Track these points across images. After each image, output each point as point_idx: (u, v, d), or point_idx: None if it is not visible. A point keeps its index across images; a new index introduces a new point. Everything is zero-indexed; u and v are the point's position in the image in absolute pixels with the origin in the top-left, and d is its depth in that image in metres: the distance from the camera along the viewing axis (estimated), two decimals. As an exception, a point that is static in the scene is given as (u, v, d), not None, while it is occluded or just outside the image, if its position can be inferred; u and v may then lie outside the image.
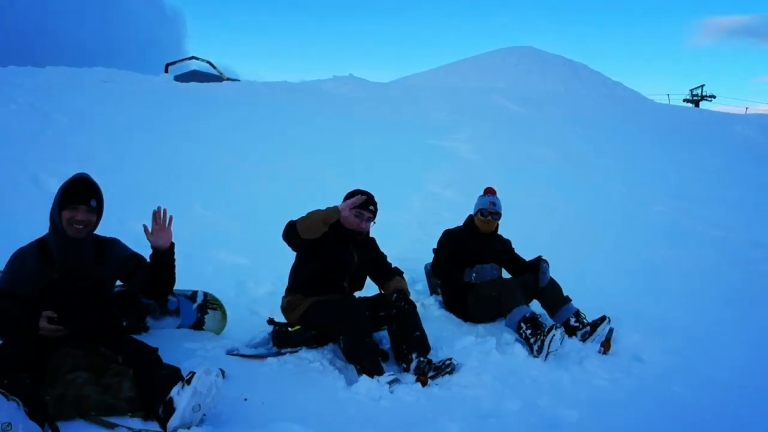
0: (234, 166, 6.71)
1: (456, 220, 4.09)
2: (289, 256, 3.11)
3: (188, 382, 2.11)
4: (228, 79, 23.46)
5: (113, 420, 2.10)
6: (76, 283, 2.42)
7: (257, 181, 6.26)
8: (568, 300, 3.70)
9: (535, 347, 3.21)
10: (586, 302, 3.78)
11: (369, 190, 3.14)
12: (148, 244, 2.52)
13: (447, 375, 2.85)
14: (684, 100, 43.87)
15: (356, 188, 3.12)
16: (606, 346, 3.40)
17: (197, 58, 24.47)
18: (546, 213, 7.20)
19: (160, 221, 2.51)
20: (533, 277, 3.71)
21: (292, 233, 2.86)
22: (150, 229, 2.50)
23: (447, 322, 3.63)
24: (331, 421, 2.34)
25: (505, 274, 3.96)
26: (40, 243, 2.46)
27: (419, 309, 3.65)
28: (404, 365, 2.90)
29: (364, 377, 2.69)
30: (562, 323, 3.56)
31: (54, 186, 4.78)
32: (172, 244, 2.54)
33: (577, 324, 3.57)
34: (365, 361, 2.78)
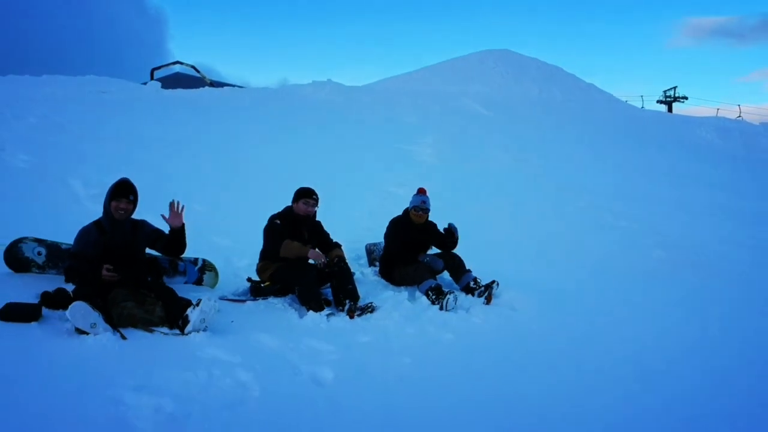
0: (220, 170, 8.09)
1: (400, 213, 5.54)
2: (260, 239, 4.56)
3: (197, 305, 3.52)
4: (211, 83, 24.72)
5: (152, 328, 3.51)
6: (120, 249, 3.81)
7: (239, 183, 7.65)
8: (468, 270, 5.15)
9: (437, 306, 4.64)
10: (497, 271, 5.25)
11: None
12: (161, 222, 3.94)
13: (369, 313, 4.28)
14: (657, 101, 45.87)
15: (303, 186, 4.59)
16: (489, 298, 4.85)
17: (181, 63, 25.74)
18: (485, 209, 8.66)
19: (176, 210, 3.91)
20: (450, 251, 5.21)
21: (275, 250, 4.38)
22: (167, 216, 3.90)
23: (378, 284, 5.08)
24: (287, 334, 3.76)
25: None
26: (97, 222, 3.84)
27: (359, 275, 5.13)
28: (340, 308, 4.33)
29: (311, 312, 4.12)
30: (463, 287, 5.02)
31: (77, 186, 6.19)
32: (183, 224, 3.94)
33: (474, 286, 5.02)
34: (312, 303, 4.21)
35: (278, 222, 4.49)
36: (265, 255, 4.55)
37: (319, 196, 4.61)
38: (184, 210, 3.94)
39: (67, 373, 2.87)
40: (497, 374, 3.63)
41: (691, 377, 3.85)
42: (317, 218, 4.72)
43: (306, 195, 4.52)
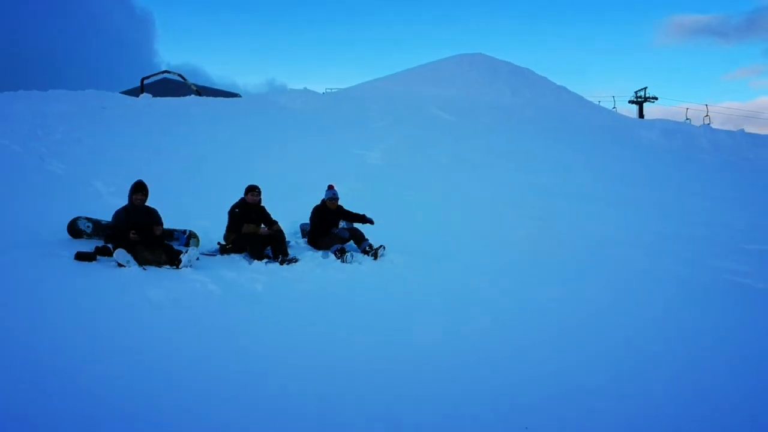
0: (202, 172, 10.80)
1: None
2: (225, 219, 7.30)
3: (185, 253, 6.25)
4: (197, 90, 27.36)
5: (161, 266, 6.25)
6: (139, 223, 6.51)
7: (213, 181, 10.36)
8: (366, 239, 7.88)
9: (340, 260, 7.36)
10: (396, 240, 7.98)
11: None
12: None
13: (294, 263, 7.01)
14: (629, 102, 48.91)
15: (251, 183, 7.35)
16: (376, 256, 7.58)
17: (169, 72, 28.37)
18: (415, 201, 11.41)
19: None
20: (357, 225, 7.96)
21: (237, 228, 7.06)
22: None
23: (306, 249, 7.82)
24: (240, 271, 6.47)
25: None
26: (125, 207, 6.55)
27: (294, 243, 7.87)
28: (276, 260, 7.04)
29: (256, 261, 6.85)
30: (361, 250, 7.75)
31: (100, 186, 8.88)
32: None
33: (368, 249, 7.74)
34: (257, 255, 6.94)
35: (237, 210, 7.23)
36: (228, 229, 7.28)
37: (261, 190, 7.36)
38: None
39: (115, 284, 5.58)
40: (370, 295, 6.30)
41: (510, 309, 6.60)
42: (262, 204, 7.46)
43: (252, 189, 7.27)
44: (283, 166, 11.66)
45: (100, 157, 10.14)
